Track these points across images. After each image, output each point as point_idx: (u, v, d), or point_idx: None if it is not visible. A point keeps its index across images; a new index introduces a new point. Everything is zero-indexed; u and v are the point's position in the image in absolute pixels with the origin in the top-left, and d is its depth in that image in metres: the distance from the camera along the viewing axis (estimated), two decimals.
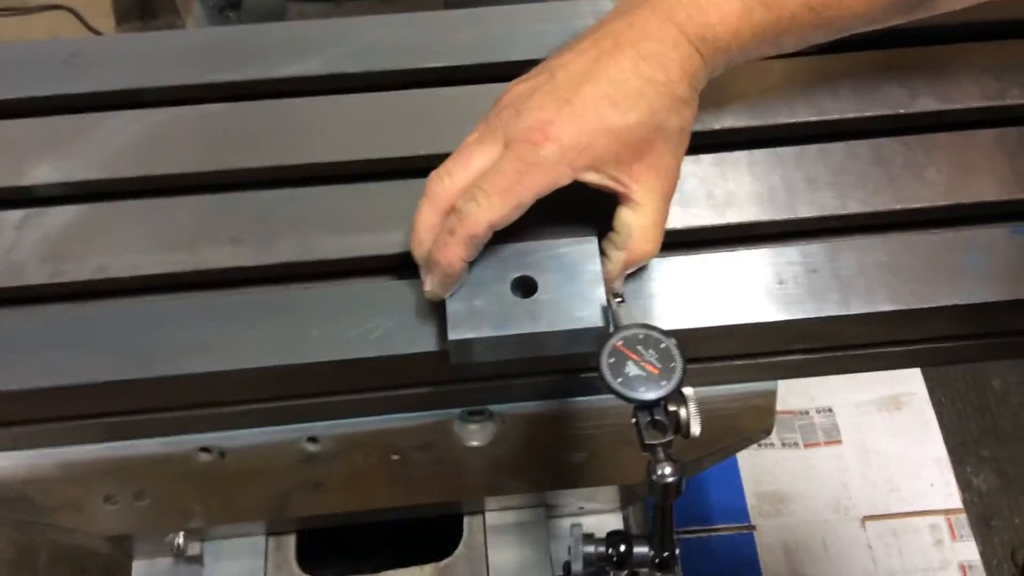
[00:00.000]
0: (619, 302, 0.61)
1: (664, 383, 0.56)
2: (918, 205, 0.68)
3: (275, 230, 0.68)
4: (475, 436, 0.72)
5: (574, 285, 0.62)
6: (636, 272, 0.64)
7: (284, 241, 0.68)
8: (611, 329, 0.59)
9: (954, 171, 0.69)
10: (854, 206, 0.68)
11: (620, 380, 0.56)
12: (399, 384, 0.68)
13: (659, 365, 0.57)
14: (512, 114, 0.60)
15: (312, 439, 0.72)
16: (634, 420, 0.56)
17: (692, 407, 0.57)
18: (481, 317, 0.61)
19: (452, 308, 0.61)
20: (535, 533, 0.79)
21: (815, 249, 0.67)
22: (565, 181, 0.58)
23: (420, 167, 0.70)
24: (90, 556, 1.77)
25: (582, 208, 0.63)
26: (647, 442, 0.56)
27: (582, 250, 0.63)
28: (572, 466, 0.74)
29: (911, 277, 0.65)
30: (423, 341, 0.64)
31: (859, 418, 2.10)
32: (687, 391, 0.57)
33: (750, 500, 2.03)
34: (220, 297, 0.67)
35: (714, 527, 2.00)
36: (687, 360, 0.57)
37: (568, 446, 0.73)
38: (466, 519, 0.81)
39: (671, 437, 0.56)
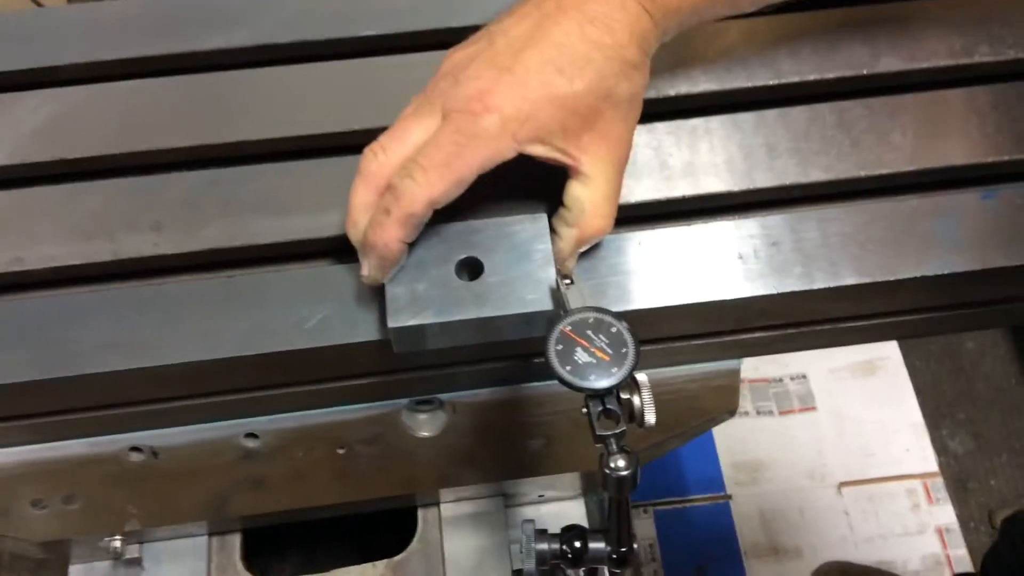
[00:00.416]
0: (568, 284, 0.57)
1: (615, 370, 0.52)
2: (883, 171, 0.64)
3: (201, 214, 0.64)
4: (425, 426, 0.69)
5: (523, 265, 0.58)
6: (587, 250, 0.60)
7: (211, 226, 0.63)
8: (561, 313, 0.55)
9: (921, 134, 0.66)
10: (816, 174, 0.64)
11: (569, 368, 0.53)
12: (341, 375, 0.64)
13: (610, 351, 0.53)
14: (450, 83, 0.55)
15: (251, 435, 0.68)
16: (585, 410, 0.53)
17: (646, 394, 0.53)
18: (423, 302, 0.57)
19: (392, 293, 0.57)
20: (493, 524, 0.76)
21: (776, 221, 0.63)
22: (509, 154, 0.54)
23: (356, 143, 0.65)
24: None
25: (531, 183, 0.59)
26: (599, 433, 0.52)
27: (531, 228, 0.59)
28: (529, 454, 0.70)
29: (877, 248, 0.61)
30: (363, 329, 0.60)
31: (833, 384, 2.09)
32: (640, 377, 0.54)
33: (725, 470, 2.02)
34: (142, 288, 0.62)
35: (690, 498, 1.99)
36: (640, 344, 0.53)
37: (524, 433, 0.70)
38: (420, 512, 0.78)
39: (624, 428, 0.52)
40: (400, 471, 0.70)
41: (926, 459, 2.00)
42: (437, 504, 0.78)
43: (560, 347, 0.53)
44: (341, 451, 0.68)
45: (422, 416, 0.69)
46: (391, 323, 0.56)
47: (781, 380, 2.09)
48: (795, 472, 2.02)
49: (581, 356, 0.53)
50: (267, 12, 0.70)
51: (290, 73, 0.69)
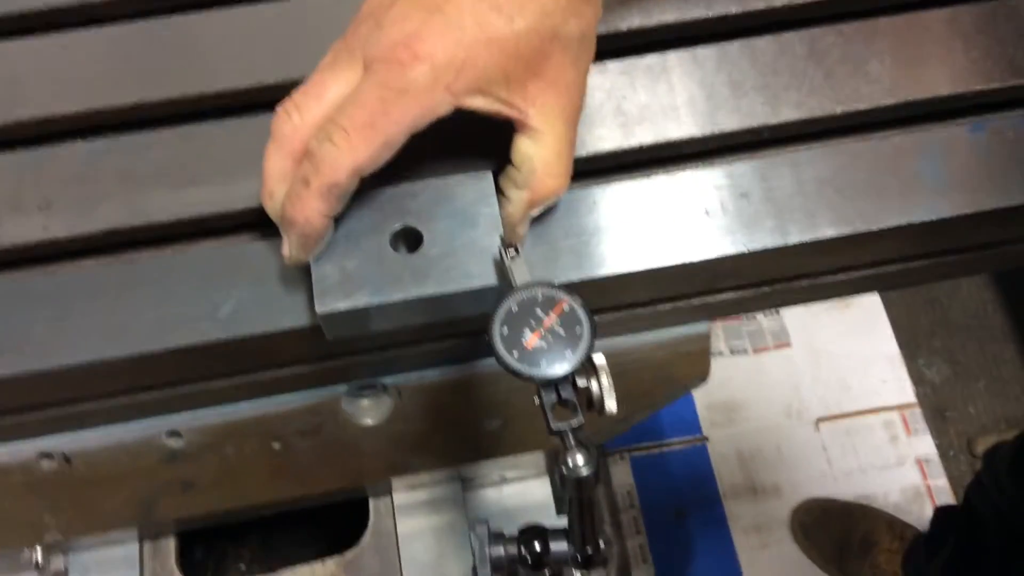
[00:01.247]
0: (512, 256, 0.50)
1: (569, 353, 0.46)
2: (861, 106, 0.58)
3: (96, 190, 0.56)
4: (368, 414, 0.62)
5: (468, 233, 0.51)
6: (539, 214, 0.53)
7: (108, 203, 0.56)
8: (506, 290, 0.49)
9: (900, 63, 0.59)
10: (787, 112, 0.57)
11: (516, 354, 0.46)
12: (267, 365, 0.57)
13: (562, 331, 0.47)
14: (372, 28, 0.48)
15: (173, 433, 0.61)
16: (537, 400, 0.47)
17: (604, 379, 0.47)
18: (355, 281, 0.50)
19: (318, 272, 0.50)
20: (451, 511, 0.70)
21: (744, 168, 0.56)
22: (443, 110, 0.47)
23: (269, 99, 0.58)
24: None
25: (473, 137, 0.52)
26: (554, 427, 0.46)
27: (476, 189, 0.52)
28: (486, 435, 0.64)
29: (858, 193, 0.55)
30: (287, 314, 0.53)
31: (808, 319, 2.05)
32: (598, 359, 0.47)
33: (701, 411, 1.98)
34: (32, 279, 0.55)
35: (666, 442, 1.95)
36: (595, 320, 0.47)
37: (479, 414, 0.64)
38: (372, 502, 0.72)
39: (582, 419, 0.46)
40: (345, 463, 0.63)
41: (903, 390, 1.98)
42: (389, 493, 0.72)
43: (506, 330, 0.47)
44: (277, 445, 0.62)
45: (364, 403, 0.62)
46: (319, 308, 0.49)
47: (755, 317, 2.04)
48: (771, 410, 1.99)
49: (530, 339, 0.47)
50: None
51: (189, 23, 0.61)
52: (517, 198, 0.51)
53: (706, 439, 1.96)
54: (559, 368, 0.46)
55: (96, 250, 0.56)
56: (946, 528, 1.47)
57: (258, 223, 0.56)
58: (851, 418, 1.96)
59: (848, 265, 0.59)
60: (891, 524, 1.76)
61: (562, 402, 0.46)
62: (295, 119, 0.48)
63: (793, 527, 1.83)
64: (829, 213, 0.54)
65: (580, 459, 0.45)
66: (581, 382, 0.47)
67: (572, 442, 0.45)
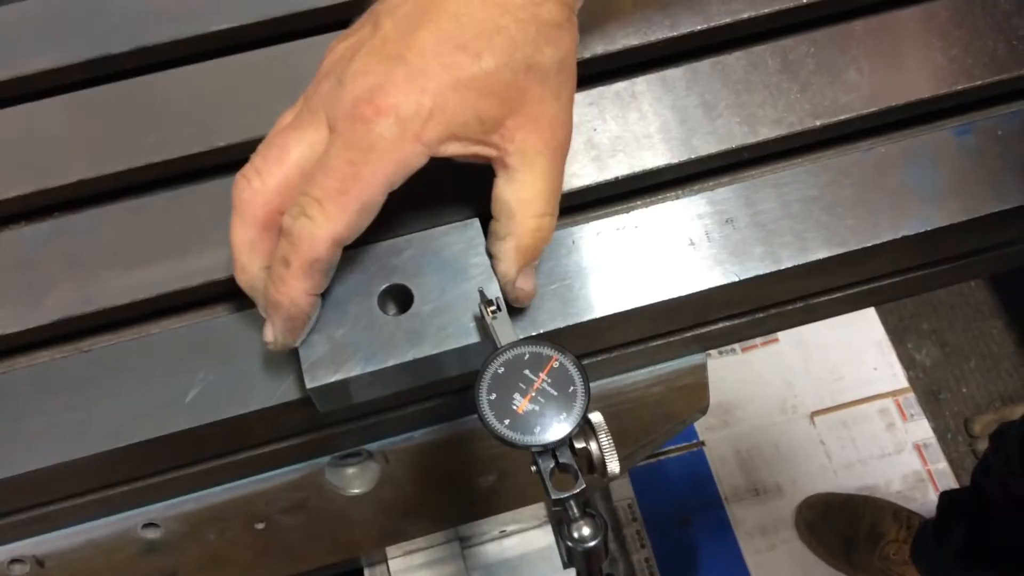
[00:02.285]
0: (494, 313, 0.47)
1: (564, 415, 0.43)
2: (842, 116, 0.55)
3: (43, 277, 0.53)
4: (355, 483, 0.59)
5: (461, 286, 0.48)
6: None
7: (57, 290, 0.52)
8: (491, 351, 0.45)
9: (878, 68, 0.57)
10: (765, 131, 0.55)
11: (508, 422, 0.43)
12: (241, 447, 0.54)
13: (554, 391, 0.44)
14: (333, 85, 0.44)
15: (150, 524, 0.57)
16: (534, 469, 0.44)
17: (604, 439, 0.44)
18: (346, 350, 0.46)
19: (306, 343, 0.47)
20: (451, 574, 0.67)
21: (727, 193, 0.54)
22: (418, 162, 0.44)
23: (221, 162, 0.55)
24: None
25: (454, 184, 0.49)
26: (555, 497, 0.43)
27: (463, 238, 0.50)
28: (482, 492, 0.61)
29: (847, 210, 0.52)
30: (259, 393, 0.50)
31: None
32: (594, 418, 0.44)
33: None
34: None
35: (663, 450, 1.92)
36: (588, 377, 0.44)
37: (472, 471, 0.60)
38: (367, 572, 0.68)
39: (584, 485, 0.43)
40: (335, 536, 0.60)
41: (895, 376, 1.97)
42: (385, 561, 0.69)
43: (494, 396, 0.43)
44: (261, 526, 0.58)
45: (350, 471, 0.59)
46: (309, 383, 0.46)
47: None
48: (765, 408, 1.97)
49: (521, 404, 0.43)
50: (95, 19, 0.58)
51: (129, 90, 0.57)
52: (504, 250, 0.47)
53: (703, 443, 1.94)
54: (555, 433, 0.43)
55: (48, 342, 0.52)
56: (954, 513, 1.45)
57: (219, 297, 0.53)
58: (846, 409, 1.94)
59: (843, 284, 0.56)
60: (896, 513, 1.74)
61: (561, 467, 0.43)
62: (255, 184, 0.45)
63: (798, 525, 1.81)
64: (820, 233, 0.52)
65: (586, 530, 0.42)
66: (579, 444, 0.44)
67: (576, 512, 0.42)
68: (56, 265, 0.53)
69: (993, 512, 1.29)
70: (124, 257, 0.53)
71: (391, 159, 0.43)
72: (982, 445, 1.87)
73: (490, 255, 0.48)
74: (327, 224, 0.43)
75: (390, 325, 0.47)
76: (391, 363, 0.46)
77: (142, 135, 0.56)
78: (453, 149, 0.44)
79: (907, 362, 1.98)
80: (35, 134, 0.56)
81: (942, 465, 1.86)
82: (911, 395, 1.94)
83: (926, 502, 1.81)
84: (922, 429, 1.90)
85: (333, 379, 0.46)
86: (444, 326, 0.47)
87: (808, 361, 1.99)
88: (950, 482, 1.84)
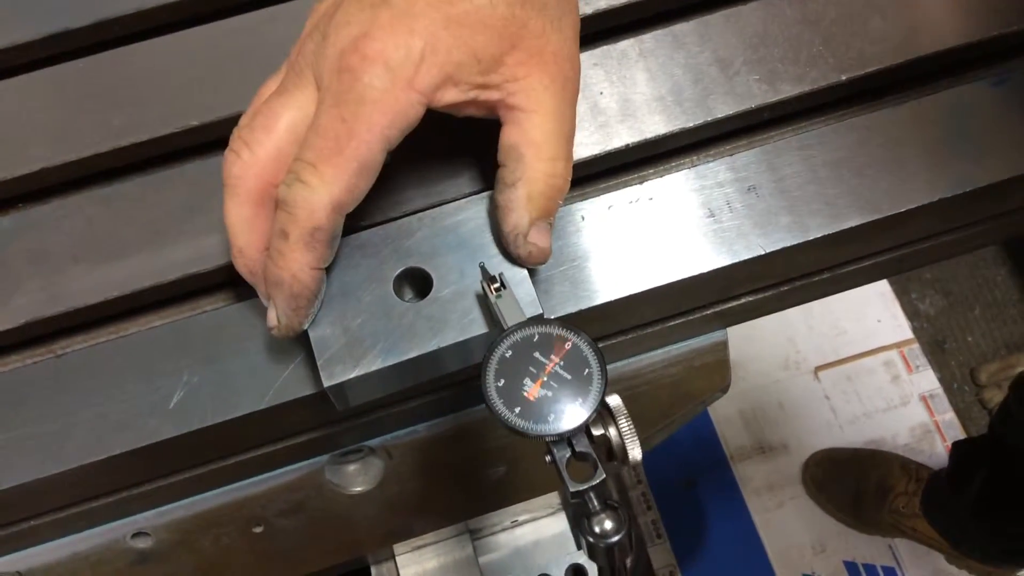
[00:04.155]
0: (497, 291, 0.42)
1: (580, 401, 0.39)
2: (868, 70, 0.51)
3: (7, 276, 0.48)
4: (357, 480, 0.55)
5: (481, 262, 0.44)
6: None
7: (23, 291, 0.48)
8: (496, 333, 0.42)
9: (904, 14, 0.52)
10: (787, 88, 0.50)
11: (519, 410, 0.39)
12: (231, 452, 0.50)
13: (568, 375, 0.40)
14: (318, 41, 0.41)
15: (140, 534, 0.54)
16: (549, 458, 0.40)
17: (624, 423, 0.40)
18: (364, 342, 0.43)
19: (318, 339, 0.43)
20: (463, 570, 0.63)
21: (748, 158, 0.49)
22: (415, 113, 0.40)
23: (195, 143, 0.51)
24: None
25: (462, 151, 0.46)
26: (573, 489, 0.39)
27: (478, 212, 0.46)
28: (491, 484, 0.57)
29: (879, 172, 0.48)
30: (247, 395, 0.46)
31: None
32: (612, 402, 0.41)
33: None
34: None
35: None
36: (604, 358, 0.40)
37: (481, 463, 0.57)
38: (374, 569, 0.65)
39: (603, 476, 0.39)
40: (338, 536, 0.56)
41: (899, 327, 1.94)
42: (392, 558, 0.65)
43: (502, 382, 0.40)
44: (258, 529, 0.55)
45: (351, 469, 0.55)
46: (326, 380, 0.42)
47: None
48: (769, 365, 1.94)
49: (532, 390, 0.40)
50: None
51: (93, 67, 0.53)
52: (513, 199, 0.42)
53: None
54: (570, 420, 0.39)
55: (16, 347, 0.48)
56: (969, 461, 1.43)
57: (201, 291, 0.49)
58: (850, 363, 1.92)
59: (873, 251, 0.52)
60: (904, 466, 1.72)
61: (578, 457, 0.40)
62: (245, 156, 0.41)
63: (805, 482, 1.79)
64: (851, 198, 0.48)
65: (609, 524, 0.39)
66: (597, 431, 0.40)
67: (596, 504, 0.39)
68: (20, 263, 0.49)
69: (1015, 459, 1.27)
70: (95, 251, 0.49)
71: (385, 110, 0.39)
72: (989, 394, 1.85)
73: (495, 208, 0.43)
74: (324, 188, 0.39)
75: (409, 312, 0.43)
76: (413, 354, 0.42)
77: (108, 116, 0.51)
78: (451, 96, 0.40)
79: (911, 313, 1.95)
80: None
81: (949, 416, 1.84)
82: (916, 346, 1.91)
83: (934, 454, 1.79)
84: (928, 380, 1.88)
85: (352, 375, 0.42)
86: (467, 311, 0.43)
87: (810, 316, 1.96)
88: (957, 432, 1.82)
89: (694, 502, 1.82)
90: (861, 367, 1.91)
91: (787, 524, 1.77)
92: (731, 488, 1.82)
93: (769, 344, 1.95)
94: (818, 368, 1.92)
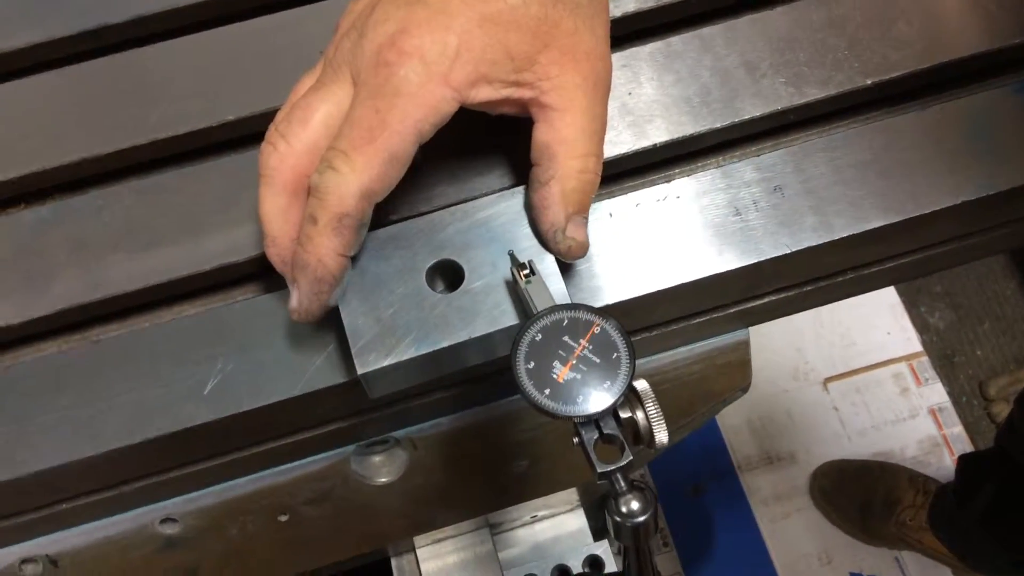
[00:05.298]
0: (527, 277, 0.44)
1: (608, 383, 0.40)
2: (894, 74, 0.52)
3: (46, 264, 0.49)
4: (382, 471, 0.56)
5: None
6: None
7: (62, 278, 0.49)
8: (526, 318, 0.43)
9: (930, 19, 0.53)
10: (813, 91, 0.51)
11: (548, 392, 0.40)
12: (263, 439, 0.51)
13: (597, 359, 0.41)
14: (355, 39, 0.42)
15: (168, 520, 0.54)
16: (576, 440, 0.41)
17: (652, 407, 0.41)
18: (396, 331, 0.43)
19: (352, 327, 0.44)
20: (482, 563, 0.64)
21: (774, 159, 0.50)
22: (448, 108, 0.41)
23: (230, 137, 0.52)
24: None
25: (493, 148, 0.47)
26: (601, 470, 0.40)
27: (511, 207, 0.46)
28: (514, 478, 0.58)
29: (904, 174, 0.49)
30: (281, 382, 0.47)
31: None
32: (640, 385, 0.41)
33: None
34: None
35: None
36: (632, 343, 0.41)
37: (504, 457, 0.57)
38: (394, 561, 0.66)
39: (631, 457, 0.40)
40: (361, 527, 0.57)
41: (909, 340, 1.94)
42: (413, 550, 0.66)
43: (532, 364, 0.40)
44: (284, 518, 0.55)
45: (377, 460, 0.56)
46: (360, 368, 0.43)
47: None
48: (778, 375, 1.94)
49: (561, 372, 0.41)
50: None
51: (132, 60, 0.54)
52: (548, 197, 0.43)
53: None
54: (599, 402, 0.40)
55: (55, 332, 0.49)
56: (976, 475, 1.43)
57: (236, 281, 0.50)
58: (859, 374, 1.92)
59: (896, 254, 0.53)
60: (912, 479, 1.72)
61: (605, 439, 0.40)
62: (281, 148, 0.42)
63: (813, 493, 1.79)
64: (876, 200, 0.48)
65: (635, 504, 0.40)
66: (624, 414, 0.41)
67: (623, 485, 0.40)
68: (59, 251, 0.50)
69: (1021, 473, 1.27)
70: (132, 240, 0.50)
71: (418, 103, 0.40)
72: (997, 408, 1.85)
73: (531, 207, 0.45)
74: (354, 176, 0.40)
75: (441, 304, 0.44)
76: (445, 344, 0.43)
77: (145, 110, 0.52)
78: (484, 93, 0.42)
79: (920, 326, 1.95)
80: (29, 112, 0.53)
81: (957, 429, 1.84)
82: (925, 359, 1.91)
83: (942, 467, 1.79)
84: (937, 393, 1.88)
85: (385, 363, 0.43)
86: (498, 303, 0.44)
87: (820, 327, 1.96)
88: (966, 446, 1.82)
89: (701, 511, 1.82)
90: (870, 379, 1.91)
91: (794, 534, 1.77)
92: (738, 497, 1.82)
93: (778, 354, 1.95)
94: (827, 379, 1.92)
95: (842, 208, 0.48)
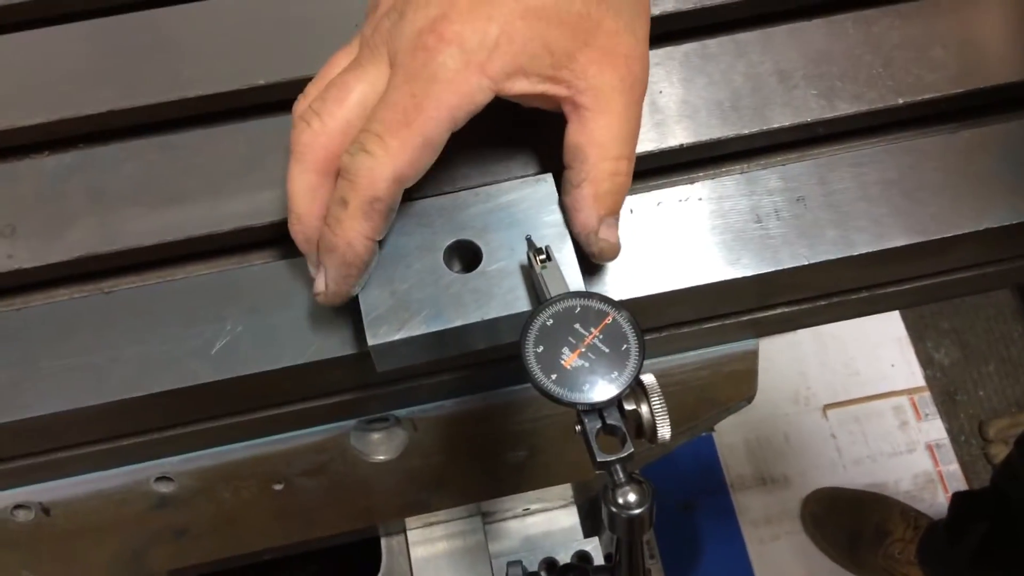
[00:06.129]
0: (543, 262, 0.43)
1: (615, 374, 0.40)
2: (926, 96, 0.51)
3: (65, 211, 0.49)
4: (380, 449, 0.56)
5: None
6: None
7: (78, 226, 0.49)
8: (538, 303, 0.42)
9: (967, 45, 0.53)
10: (844, 106, 0.51)
11: (555, 377, 0.40)
12: (266, 405, 0.51)
13: (606, 349, 0.41)
14: (395, 20, 0.42)
15: (163, 478, 0.54)
16: (579, 428, 0.40)
17: (656, 401, 0.41)
18: (410, 306, 0.43)
19: (367, 299, 0.44)
20: (472, 550, 0.64)
21: (799, 169, 0.50)
22: (482, 97, 0.41)
23: (257, 102, 0.52)
24: None
25: (524, 137, 0.47)
26: (600, 460, 0.40)
27: (535, 193, 0.46)
28: (511, 468, 0.58)
29: (929, 196, 0.49)
30: (289, 348, 0.47)
31: None
32: (647, 380, 0.41)
33: None
34: None
35: None
36: (643, 337, 0.41)
37: (503, 446, 0.57)
38: (384, 541, 0.66)
39: (632, 449, 0.40)
40: (355, 503, 0.57)
41: (912, 374, 1.93)
42: (403, 531, 0.66)
43: (540, 349, 0.40)
44: (278, 487, 0.55)
45: (376, 437, 0.56)
46: (371, 340, 0.43)
47: None
48: (778, 397, 1.94)
49: (569, 358, 0.40)
50: None
51: (167, 18, 0.54)
52: (580, 199, 0.43)
53: (712, 429, 1.91)
54: (604, 392, 0.40)
55: (68, 280, 0.49)
56: (969, 514, 1.43)
57: (253, 245, 0.50)
58: (860, 404, 1.91)
59: (913, 275, 0.53)
60: (904, 512, 1.72)
61: (607, 429, 0.40)
62: (315, 126, 0.42)
63: (803, 518, 1.78)
64: (898, 219, 0.48)
65: (632, 496, 0.39)
66: (629, 406, 0.41)
67: (622, 476, 0.39)
68: (79, 198, 0.50)
69: (1016, 515, 1.26)
70: (152, 195, 0.50)
71: (455, 90, 0.40)
72: (995, 450, 1.84)
73: (564, 209, 0.45)
74: (388, 159, 0.40)
75: (456, 283, 0.44)
76: (457, 323, 0.43)
77: (177, 68, 0.52)
78: (521, 86, 0.41)
79: (925, 360, 1.95)
80: (60, 59, 0.53)
81: (953, 467, 1.83)
82: (927, 394, 1.91)
83: (935, 503, 1.78)
84: (936, 429, 1.87)
85: (396, 337, 0.43)
86: (513, 288, 0.44)
87: (824, 352, 1.96)
88: (960, 484, 1.81)
89: (690, 526, 1.81)
90: (870, 409, 1.91)
91: (781, 558, 1.76)
92: (728, 516, 1.81)
93: (780, 377, 1.94)
94: (827, 406, 1.91)
95: (864, 224, 0.48)
